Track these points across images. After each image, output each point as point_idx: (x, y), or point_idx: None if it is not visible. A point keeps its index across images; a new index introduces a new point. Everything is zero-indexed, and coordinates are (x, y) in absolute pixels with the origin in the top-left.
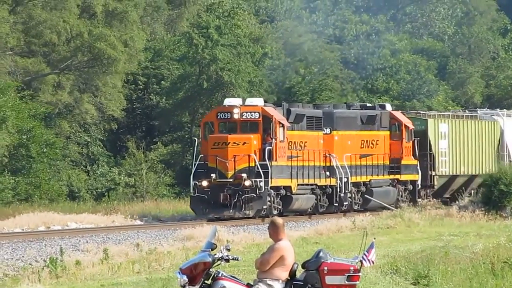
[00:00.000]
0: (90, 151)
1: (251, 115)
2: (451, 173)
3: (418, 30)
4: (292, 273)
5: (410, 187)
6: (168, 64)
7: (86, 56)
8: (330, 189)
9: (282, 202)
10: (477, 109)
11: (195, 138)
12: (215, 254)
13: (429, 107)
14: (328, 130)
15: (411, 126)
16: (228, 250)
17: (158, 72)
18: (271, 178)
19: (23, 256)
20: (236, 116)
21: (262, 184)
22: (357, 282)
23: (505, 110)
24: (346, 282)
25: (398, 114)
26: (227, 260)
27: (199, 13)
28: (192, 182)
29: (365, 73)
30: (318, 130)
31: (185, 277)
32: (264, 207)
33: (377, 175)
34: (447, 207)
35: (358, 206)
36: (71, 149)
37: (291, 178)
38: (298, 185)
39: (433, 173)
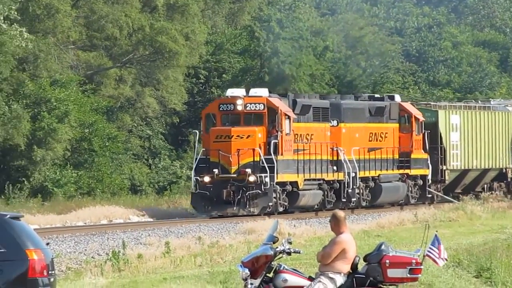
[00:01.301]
0: (152, 145)
1: (256, 106)
2: (463, 167)
3: (480, 22)
4: (354, 266)
5: (420, 182)
6: (229, 57)
7: (148, 49)
8: (338, 184)
9: (288, 199)
10: (490, 99)
11: (196, 131)
12: (277, 247)
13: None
14: (335, 122)
15: (421, 118)
16: (290, 243)
17: (219, 65)
18: (277, 173)
19: (85, 250)
20: (239, 108)
21: (267, 179)
22: (419, 275)
23: None
24: (408, 275)
25: (408, 106)
26: (289, 253)
27: (261, 6)
28: (193, 178)
29: (426, 66)
30: (325, 122)
31: (247, 270)
32: (270, 204)
33: (386, 169)
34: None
35: (366, 202)
36: (133, 142)
37: (298, 173)
38: (305, 180)
39: (444, 168)
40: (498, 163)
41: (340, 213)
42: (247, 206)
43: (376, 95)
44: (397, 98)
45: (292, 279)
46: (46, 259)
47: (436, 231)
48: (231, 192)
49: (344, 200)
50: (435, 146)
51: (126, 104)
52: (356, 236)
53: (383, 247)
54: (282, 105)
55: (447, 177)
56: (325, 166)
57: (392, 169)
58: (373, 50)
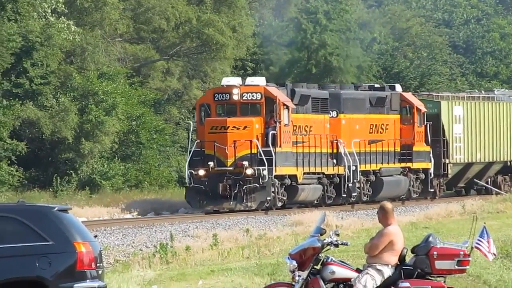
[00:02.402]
0: None
1: (253, 96)
2: (466, 161)
3: None
4: (402, 258)
5: (422, 176)
6: (276, 49)
7: (195, 42)
8: (338, 179)
9: (286, 193)
10: (494, 89)
11: (190, 122)
12: (324, 239)
13: None
14: (334, 113)
15: (423, 109)
16: (337, 235)
17: (267, 57)
18: (275, 166)
19: (133, 242)
20: (235, 97)
21: (265, 172)
22: (467, 267)
23: None
24: (456, 266)
25: (409, 96)
26: (336, 245)
27: None
28: (187, 171)
29: (474, 57)
30: (324, 113)
31: (294, 262)
32: (268, 198)
33: (388, 163)
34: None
35: (367, 197)
36: (180, 135)
37: (297, 166)
38: (304, 173)
39: (447, 161)
40: (502, 156)
41: (388, 205)
42: (244, 201)
43: (376, 85)
44: (398, 88)
45: (340, 271)
46: (94, 251)
47: (484, 223)
48: (227, 186)
49: (345, 195)
50: (438, 139)
51: (173, 97)
52: (403, 228)
53: (430, 238)
54: (280, 94)
55: (449, 171)
56: (325, 159)
57: (394, 162)
58: (420, 42)
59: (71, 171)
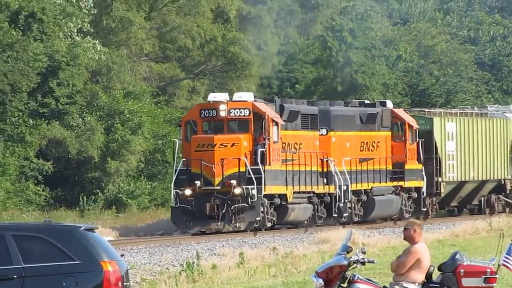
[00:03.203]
0: None
1: (240, 112)
2: (459, 179)
3: None
4: (428, 276)
5: (415, 195)
6: (301, 67)
7: (220, 60)
8: (328, 198)
9: (276, 213)
10: (487, 105)
11: (175, 140)
12: (351, 257)
13: None
14: (324, 131)
15: (415, 126)
16: (364, 253)
17: (292, 75)
18: (264, 185)
19: (160, 261)
20: (222, 114)
21: (254, 192)
22: (494, 284)
23: None
24: (483, 284)
25: (401, 112)
26: (363, 263)
27: (333, 16)
28: (173, 191)
29: (500, 75)
30: (314, 129)
31: (321, 281)
32: (258, 218)
33: (379, 181)
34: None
35: (358, 217)
36: None
37: (287, 185)
38: (294, 192)
39: (440, 179)
40: (496, 174)
41: (417, 223)
42: (233, 221)
43: (366, 101)
44: (389, 104)
45: None
46: (120, 270)
47: (511, 240)
48: (215, 206)
49: (335, 215)
50: (430, 156)
51: None
52: (430, 246)
53: (457, 256)
54: (269, 110)
55: (442, 190)
56: (315, 177)
57: (385, 181)
58: (446, 59)
59: (97, 190)
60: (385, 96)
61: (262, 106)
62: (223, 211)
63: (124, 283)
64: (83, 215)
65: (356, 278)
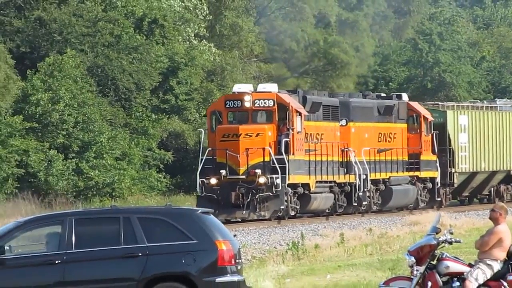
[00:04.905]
0: None
1: (265, 102)
2: (471, 170)
3: None
4: (510, 254)
5: (430, 185)
6: (395, 67)
7: (322, 61)
8: (349, 187)
9: (299, 202)
10: (496, 99)
11: (201, 130)
12: (439, 238)
13: None
14: (344, 122)
15: (430, 118)
16: (451, 233)
17: (386, 74)
18: (288, 174)
19: (268, 241)
20: (247, 104)
21: (278, 181)
22: None
23: None
24: None
25: (416, 105)
26: (450, 243)
27: (423, 21)
28: (198, 180)
29: None
30: (335, 120)
31: (412, 258)
32: (282, 207)
33: (396, 171)
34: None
35: (376, 206)
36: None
37: (309, 175)
38: (316, 182)
39: (453, 170)
40: (505, 165)
41: (504, 207)
42: (257, 210)
43: (383, 94)
44: (405, 97)
45: (454, 266)
46: (233, 249)
47: None
48: (240, 194)
49: (355, 204)
50: (444, 148)
51: None
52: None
53: None
54: (292, 101)
55: (455, 180)
56: (336, 167)
57: (402, 171)
58: None
59: None
60: (470, 93)
61: (286, 97)
62: (248, 200)
63: (237, 260)
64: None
65: (444, 256)
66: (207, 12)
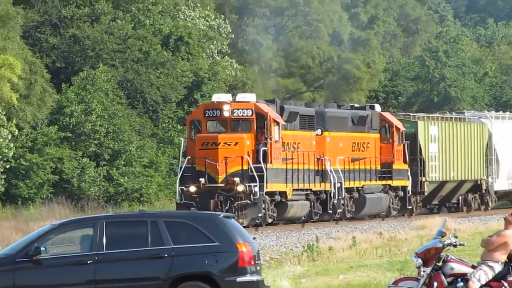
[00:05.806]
0: None
1: (243, 112)
2: (441, 179)
3: None
4: (510, 256)
5: (401, 193)
6: (404, 82)
7: (335, 76)
8: (324, 195)
9: (276, 209)
10: (465, 111)
11: (181, 138)
12: (445, 241)
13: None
14: (319, 131)
15: (402, 128)
16: (456, 237)
17: (396, 89)
18: (266, 182)
19: (285, 243)
20: (226, 114)
21: (256, 189)
22: None
23: (493, 112)
24: None
25: (389, 116)
26: (455, 246)
27: (430, 40)
28: (178, 188)
29: None
30: (311, 130)
31: (420, 260)
32: (259, 215)
33: (370, 180)
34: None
35: (350, 214)
36: None
37: (287, 183)
38: (293, 190)
39: (423, 179)
40: (473, 175)
41: None
42: (235, 218)
43: (356, 105)
44: (377, 107)
45: (458, 267)
46: (253, 251)
47: None
48: (219, 202)
49: (330, 211)
50: (415, 157)
51: None
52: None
53: None
54: (270, 111)
55: (426, 189)
56: (312, 176)
57: (375, 180)
58: None
59: None
60: (474, 106)
61: (264, 106)
62: (227, 207)
63: (256, 261)
64: None
65: (449, 258)
66: (230, 30)
